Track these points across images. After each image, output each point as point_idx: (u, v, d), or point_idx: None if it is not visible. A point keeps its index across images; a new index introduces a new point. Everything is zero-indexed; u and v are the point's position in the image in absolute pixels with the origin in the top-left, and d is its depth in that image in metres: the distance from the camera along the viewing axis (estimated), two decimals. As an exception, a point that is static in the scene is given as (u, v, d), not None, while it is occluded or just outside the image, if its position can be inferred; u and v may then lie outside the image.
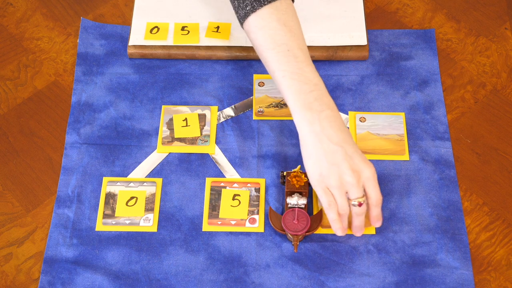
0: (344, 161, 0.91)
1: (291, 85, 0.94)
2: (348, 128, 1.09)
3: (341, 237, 0.99)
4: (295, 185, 0.99)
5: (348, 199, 0.92)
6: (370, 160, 1.06)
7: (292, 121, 1.10)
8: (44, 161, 1.08)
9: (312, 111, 0.92)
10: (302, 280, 0.96)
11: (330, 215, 0.93)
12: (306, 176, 1.00)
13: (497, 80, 1.15)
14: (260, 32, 0.96)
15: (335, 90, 1.13)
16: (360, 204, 0.92)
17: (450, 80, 1.15)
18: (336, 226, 0.94)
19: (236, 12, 0.99)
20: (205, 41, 1.17)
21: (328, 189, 0.92)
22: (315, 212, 1.01)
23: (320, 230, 1.00)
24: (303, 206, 0.99)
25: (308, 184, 1.00)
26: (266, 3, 0.96)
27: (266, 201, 1.03)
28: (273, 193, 1.03)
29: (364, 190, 0.93)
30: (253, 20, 0.97)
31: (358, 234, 0.98)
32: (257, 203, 1.02)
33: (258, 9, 0.96)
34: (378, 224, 0.97)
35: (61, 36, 1.21)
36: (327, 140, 0.91)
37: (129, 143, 1.08)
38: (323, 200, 0.92)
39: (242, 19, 0.98)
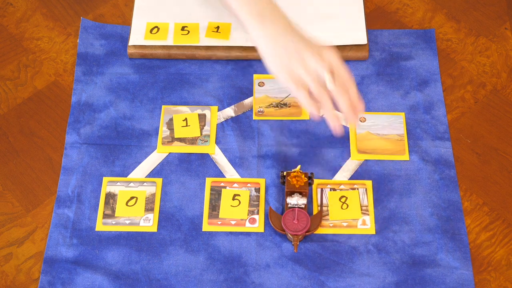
0: (304, 48, 0.93)
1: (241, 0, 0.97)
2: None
3: (341, 237, 0.99)
4: (295, 185, 0.99)
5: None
6: (370, 160, 1.06)
7: (292, 121, 1.10)
8: (44, 161, 1.08)
9: (264, 17, 0.95)
10: (302, 280, 0.96)
11: (301, 98, 0.92)
12: (306, 176, 1.00)
13: (497, 80, 1.15)
14: None
15: (335, 90, 1.13)
16: (330, 81, 0.92)
17: (450, 80, 1.15)
18: (310, 109, 0.93)
19: None
20: (205, 41, 1.17)
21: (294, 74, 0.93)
22: (315, 212, 1.01)
23: (320, 230, 1.00)
24: (303, 206, 0.99)
25: (308, 184, 1.00)
26: None
27: (266, 201, 1.03)
28: (273, 193, 1.03)
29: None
30: None
31: (353, 120, 0.94)
32: (257, 203, 1.02)
33: None
34: (361, 109, 0.94)
35: (61, 36, 1.21)
36: (282, 37, 0.94)
37: (129, 143, 1.08)
38: (291, 84, 0.93)
39: None
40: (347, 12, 1.19)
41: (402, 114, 1.11)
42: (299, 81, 0.92)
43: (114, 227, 1.01)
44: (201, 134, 1.09)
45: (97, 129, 1.10)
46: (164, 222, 1.01)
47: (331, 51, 0.94)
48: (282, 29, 0.95)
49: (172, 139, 1.08)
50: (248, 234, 1.00)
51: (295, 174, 1.00)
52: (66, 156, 1.07)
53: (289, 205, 1.00)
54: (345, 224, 1.00)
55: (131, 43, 1.17)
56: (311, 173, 1.01)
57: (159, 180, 1.05)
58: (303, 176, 0.99)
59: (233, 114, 1.11)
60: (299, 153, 1.07)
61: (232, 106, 1.12)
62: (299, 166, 1.01)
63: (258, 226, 1.00)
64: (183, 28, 1.18)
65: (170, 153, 1.08)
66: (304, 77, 0.92)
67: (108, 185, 1.04)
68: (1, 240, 1.01)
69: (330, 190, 1.03)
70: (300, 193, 1.00)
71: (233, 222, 1.01)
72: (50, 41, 1.21)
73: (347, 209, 1.01)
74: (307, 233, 0.97)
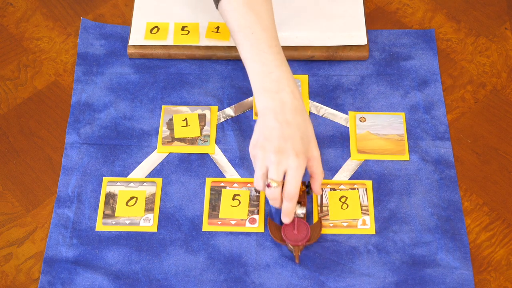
0: (276, 139, 0.91)
1: (252, 67, 0.96)
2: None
3: (341, 237, 0.99)
4: None
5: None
6: (370, 160, 1.06)
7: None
8: (44, 161, 1.08)
9: (270, 92, 0.94)
10: (302, 280, 0.96)
11: (257, 185, 0.94)
12: (304, 185, 0.99)
13: (497, 80, 1.15)
14: (229, 15, 1.00)
15: (335, 90, 1.13)
16: (268, 186, 0.92)
17: (450, 80, 1.15)
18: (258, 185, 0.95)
19: None
20: (205, 41, 1.17)
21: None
22: (315, 214, 1.01)
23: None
24: (302, 215, 0.99)
25: (306, 193, 0.99)
26: None
27: (266, 201, 1.03)
28: (273, 193, 1.03)
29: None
30: (224, 3, 1.00)
31: (284, 220, 0.96)
32: (257, 203, 1.02)
33: None
34: (284, 220, 0.96)
35: (61, 36, 1.21)
36: (272, 117, 0.92)
37: (129, 143, 1.08)
38: (257, 170, 0.93)
39: (216, 1, 1.02)
40: (347, 12, 1.19)
41: (402, 114, 1.11)
42: (264, 174, 0.93)
43: (114, 227, 1.01)
44: (201, 134, 1.09)
45: (97, 129, 1.10)
46: (164, 222, 1.01)
47: (294, 161, 0.90)
48: (278, 107, 0.92)
49: (172, 139, 1.08)
50: (248, 234, 1.00)
51: None
52: (66, 156, 1.07)
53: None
54: (345, 224, 1.00)
55: (131, 43, 1.17)
56: (308, 182, 1.00)
57: (159, 180, 1.05)
58: (301, 184, 0.98)
59: (233, 114, 1.11)
60: (299, 153, 1.07)
61: (232, 106, 1.12)
62: None
63: (258, 226, 1.00)
64: (183, 28, 1.18)
65: (170, 153, 1.08)
66: (256, 168, 0.94)
67: (108, 185, 1.04)
68: (1, 240, 1.01)
69: (330, 190, 1.03)
70: (299, 203, 0.99)
71: (233, 222, 1.01)
72: (50, 41, 1.21)
73: (347, 209, 1.01)
74: (307, 243, 0.97)
